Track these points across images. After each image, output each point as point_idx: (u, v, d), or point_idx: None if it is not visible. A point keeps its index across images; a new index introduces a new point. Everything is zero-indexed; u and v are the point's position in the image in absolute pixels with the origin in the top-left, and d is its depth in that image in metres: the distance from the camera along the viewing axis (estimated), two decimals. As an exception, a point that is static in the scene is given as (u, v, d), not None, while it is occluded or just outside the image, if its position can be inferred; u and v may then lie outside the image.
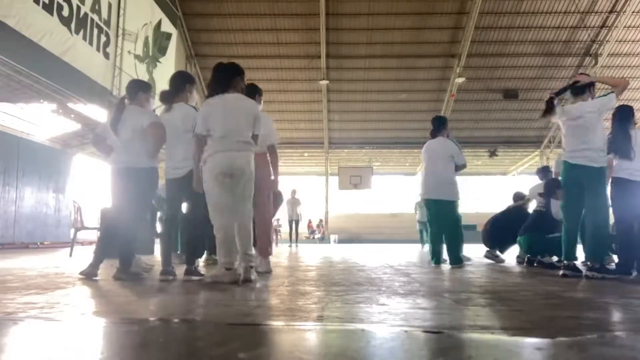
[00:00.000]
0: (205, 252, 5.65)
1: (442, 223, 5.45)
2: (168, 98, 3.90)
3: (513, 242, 6.01)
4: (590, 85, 4.23)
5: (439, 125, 5.67)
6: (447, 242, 5.40)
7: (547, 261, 5.24)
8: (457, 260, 5.17)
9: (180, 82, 4.00)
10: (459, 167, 5.48)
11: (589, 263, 4.16)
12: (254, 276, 3.46)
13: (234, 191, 3.36)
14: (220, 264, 3.36)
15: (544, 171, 6.57)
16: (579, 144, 4.07)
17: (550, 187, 5.46)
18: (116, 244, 3.72)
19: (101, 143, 3.83)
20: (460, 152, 5.54)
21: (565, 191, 4.26)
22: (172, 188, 3.79)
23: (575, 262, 4.08)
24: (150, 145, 3.67)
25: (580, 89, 4.21)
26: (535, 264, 5.42)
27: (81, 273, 3.60)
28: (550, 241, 5.11)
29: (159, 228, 6.16)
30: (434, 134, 5.67)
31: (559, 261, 4.63)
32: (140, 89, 3.92)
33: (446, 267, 5.18)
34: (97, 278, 3.56)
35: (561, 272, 4.09)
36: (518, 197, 6.45)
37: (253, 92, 4.23)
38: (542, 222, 5.44)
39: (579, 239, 4.25)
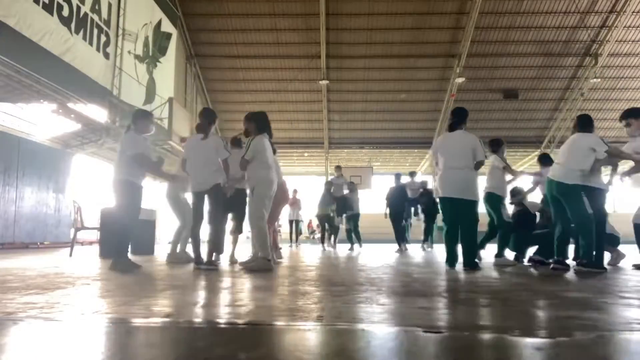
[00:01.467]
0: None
1: (459, 224, 5.01)
2: (204, 129, 5.01)
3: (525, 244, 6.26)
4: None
5: (463, 117, 5.13)
6: (463, 244, 4.98)
7: (536, 259, 5.51)
8: (473, 263, 4.81)
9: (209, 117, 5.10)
10: (478, 165, 4.95)
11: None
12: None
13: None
14: (261, 255, 4.59)
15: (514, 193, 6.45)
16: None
17: (512, 194, 6.34)
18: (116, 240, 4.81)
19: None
20: (482, 146, 4.98)
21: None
22: (198, 199, 4.90)
23: (565, 258, 4.77)
24: (134, 166, 4.65)
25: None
26: (527, 262, 5.79)
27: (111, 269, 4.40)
28: (537, 237, 5.81)
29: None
30: (453, 127, 5.12)
31: (556, 261, 4.85)
32: (138, 117, 4.90)
33: (448, 267, 5.12)
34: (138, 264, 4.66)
35: (552, 266, 4.77)
36: (516, 192, 6.46)
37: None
38: (524, 221, 6.19)
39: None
